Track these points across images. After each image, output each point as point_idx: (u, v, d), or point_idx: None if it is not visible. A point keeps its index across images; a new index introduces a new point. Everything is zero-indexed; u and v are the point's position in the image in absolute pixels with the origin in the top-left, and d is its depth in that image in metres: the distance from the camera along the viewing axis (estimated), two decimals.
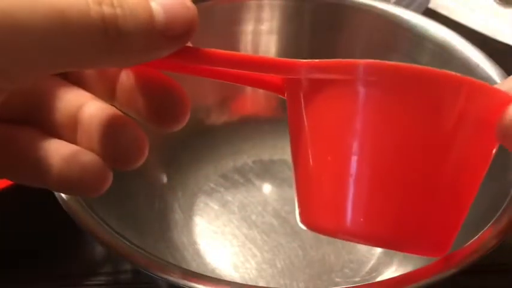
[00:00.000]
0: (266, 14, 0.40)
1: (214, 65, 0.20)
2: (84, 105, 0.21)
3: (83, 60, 0.17)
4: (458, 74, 0.18)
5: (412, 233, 0.19)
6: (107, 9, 0.16)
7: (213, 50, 0.19)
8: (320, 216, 0.20)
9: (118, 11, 0.16)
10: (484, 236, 0.25)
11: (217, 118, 0.42)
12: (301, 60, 0.19)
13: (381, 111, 0.18)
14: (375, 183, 0.19)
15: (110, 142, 0.20)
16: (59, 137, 0.21)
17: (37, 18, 0.15)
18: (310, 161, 0.20)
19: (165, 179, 0.39)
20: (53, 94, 0.21)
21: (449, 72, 0.18)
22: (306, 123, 0.20)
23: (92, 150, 0.20)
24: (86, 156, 0.20)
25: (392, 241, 0.20)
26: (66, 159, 0.20)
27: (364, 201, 0.19)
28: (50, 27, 0.16)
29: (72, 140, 0.20)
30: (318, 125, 0.19)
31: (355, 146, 0.19)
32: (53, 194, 0.27)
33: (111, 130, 0.20)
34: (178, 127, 0.21)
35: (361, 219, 0.19)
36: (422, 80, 0.18)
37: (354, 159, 0.19)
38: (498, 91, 0.19)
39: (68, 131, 0.21)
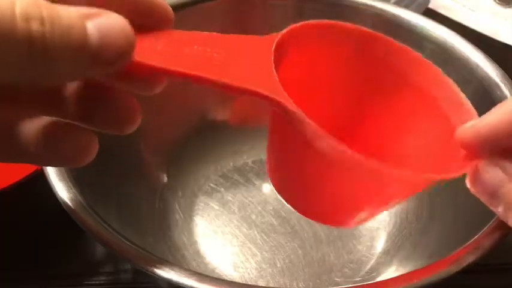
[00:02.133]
0: (268, 14, 0.40)
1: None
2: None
3: (5, 73, 0.16)
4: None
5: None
6: (35, 26, 0.15)
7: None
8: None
9: (47, 28, 0.16)
10: (484, 236, 0.25)
11: (217, 118, 0.42)
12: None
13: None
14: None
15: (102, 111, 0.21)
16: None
17: None
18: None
19: (165, 179, 0.39)
20: None
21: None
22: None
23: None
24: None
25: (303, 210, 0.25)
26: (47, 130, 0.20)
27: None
28: None
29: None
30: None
31: None
32: (53, 193, 0.27)
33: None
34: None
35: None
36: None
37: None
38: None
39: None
